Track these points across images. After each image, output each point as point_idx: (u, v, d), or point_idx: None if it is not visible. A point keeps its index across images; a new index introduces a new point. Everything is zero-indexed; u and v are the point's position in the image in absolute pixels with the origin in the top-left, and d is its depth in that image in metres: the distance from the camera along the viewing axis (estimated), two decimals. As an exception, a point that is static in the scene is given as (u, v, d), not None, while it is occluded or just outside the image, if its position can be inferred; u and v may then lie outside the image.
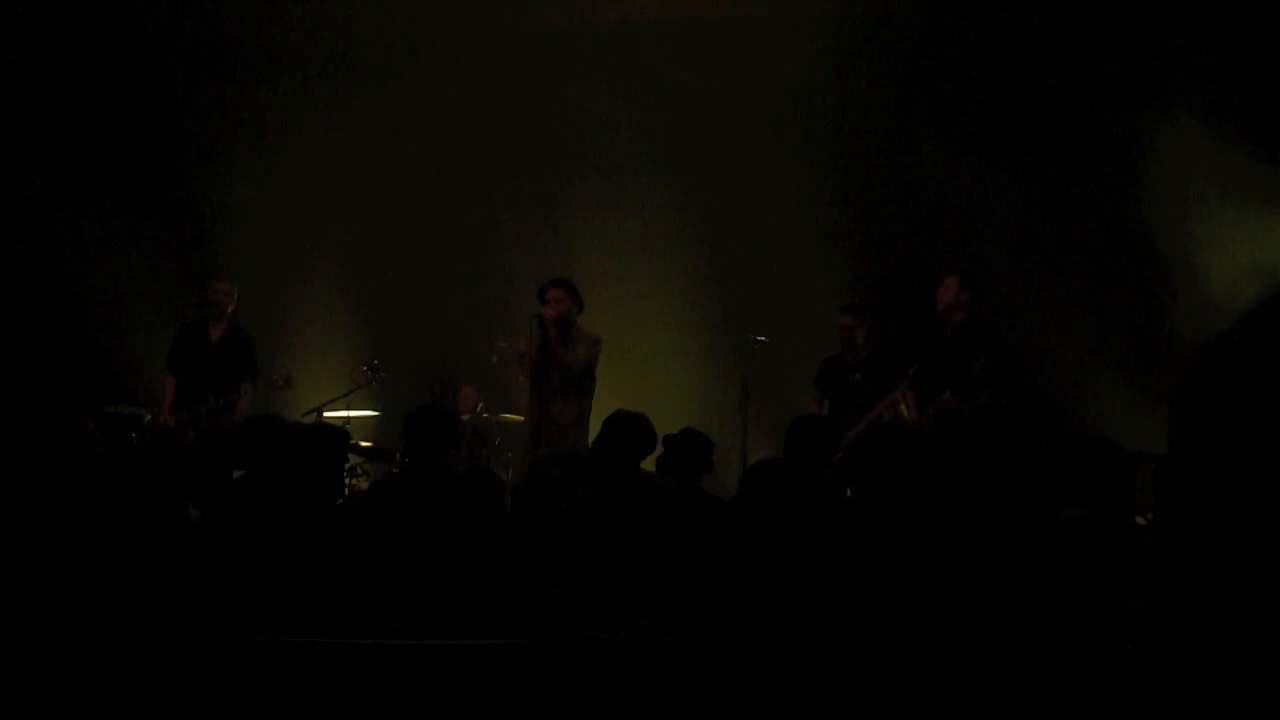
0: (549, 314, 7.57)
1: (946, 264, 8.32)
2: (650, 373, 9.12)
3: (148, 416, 8.64)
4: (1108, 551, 4.26)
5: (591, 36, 9.83)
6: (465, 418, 8.62)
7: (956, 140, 9.21)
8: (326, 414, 8.75)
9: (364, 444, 8.92)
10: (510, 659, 3.42)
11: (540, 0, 9.65)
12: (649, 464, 5.80)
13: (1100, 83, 8.93)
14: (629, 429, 5.51)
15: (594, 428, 7.37)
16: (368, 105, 10.05)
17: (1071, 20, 8.94)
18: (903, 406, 7.82)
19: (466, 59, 9.76)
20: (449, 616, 3.96)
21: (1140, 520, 6.88)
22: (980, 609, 3.79)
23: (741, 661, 3.55)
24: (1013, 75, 9.07)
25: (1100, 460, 4.77)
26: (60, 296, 9.93)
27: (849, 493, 5.14)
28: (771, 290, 9.33)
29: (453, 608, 4.06)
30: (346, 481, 8.62)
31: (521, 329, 7.87)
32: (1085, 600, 3.96)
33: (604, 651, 3.48)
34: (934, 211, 9.26)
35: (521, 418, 9.27)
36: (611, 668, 3.47)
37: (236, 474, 5.26)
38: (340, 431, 5.34)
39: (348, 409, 9.00)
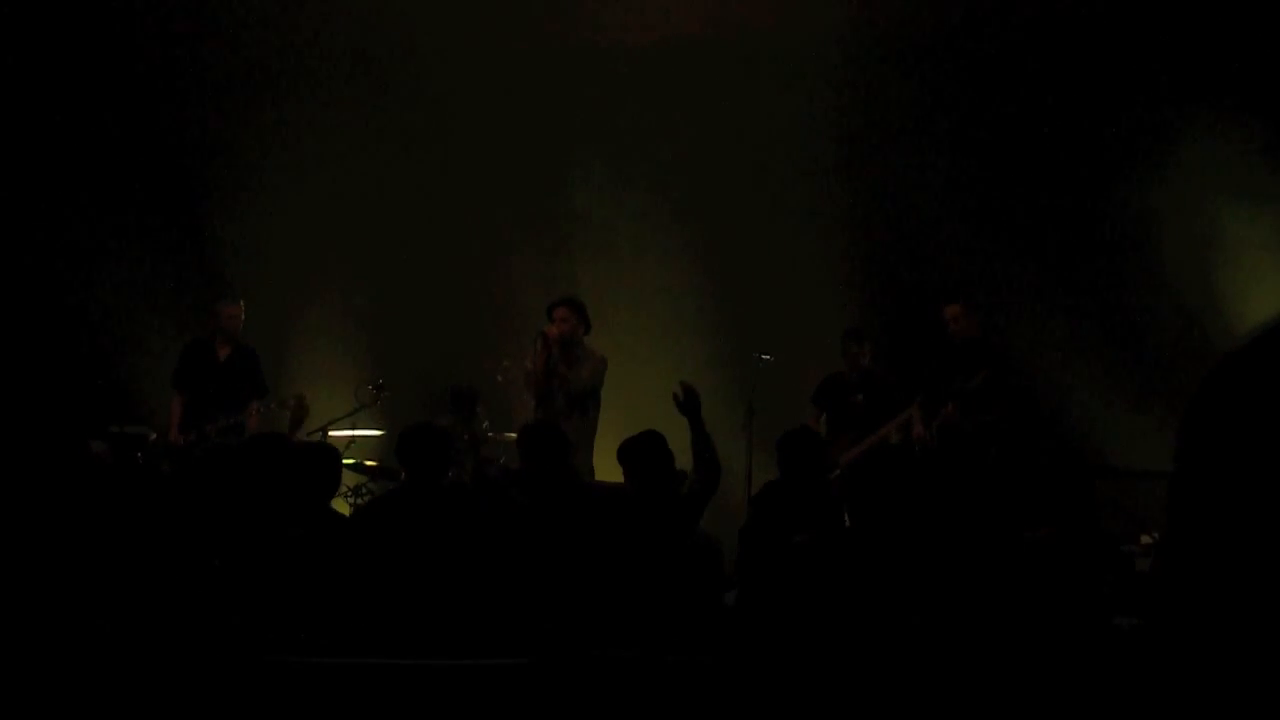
0: (553, 333, 7.56)
1: (949, 284, 8.33)
2: (654, 390, 9.09)
3: (153, 435, 8.63)
4: (1075, 570, 4.26)
5: (597, 56, 9.86)
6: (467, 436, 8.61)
7: (959, 159, 9.24)
8: (331, 433, 8.73)
9: (369, 463, 8.91)
10: (509, 678, 3.42)
11: (545, 20, 9.66)
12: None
13: (1102, 105, 8.96)
14: (548, 440, 5.61)
15: (599, 447, 7.37)
16: (374, 125, 10.06)
17: (1078, 40, 8.96)
18: (914, 424, 7.81)
19: (471, 80, 9.78)
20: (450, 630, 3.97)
21: (1146, 539, 6.89)
22: (964, 626, 3.80)
23: (742, 678, 3.54)
24: (1018, 96, 9.10)
25: (1064, 478, 4.76)
26: (66, 314, 9.95)
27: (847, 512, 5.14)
28: (776, 308, 9.33)
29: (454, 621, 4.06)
30: (351, 501, 8.63)
31: (527, 348, 7.85)
32: (1057, 619, 3.97)
33: (603, 670, 3.48)
34: (937, 231, 9.27)
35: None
36: (612, 686, 3.46)
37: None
38: (333, 450, 5.36)
39: (353, 428, 8.99)
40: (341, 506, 8.43)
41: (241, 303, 8.73)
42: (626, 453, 5.42)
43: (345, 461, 8.66)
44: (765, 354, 8.50)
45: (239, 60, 10.00)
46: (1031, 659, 3.58)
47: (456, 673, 3.45)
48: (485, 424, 9.26)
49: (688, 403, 6.04)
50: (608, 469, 6.49)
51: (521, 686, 3.41)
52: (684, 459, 5.99)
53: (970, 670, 3.48)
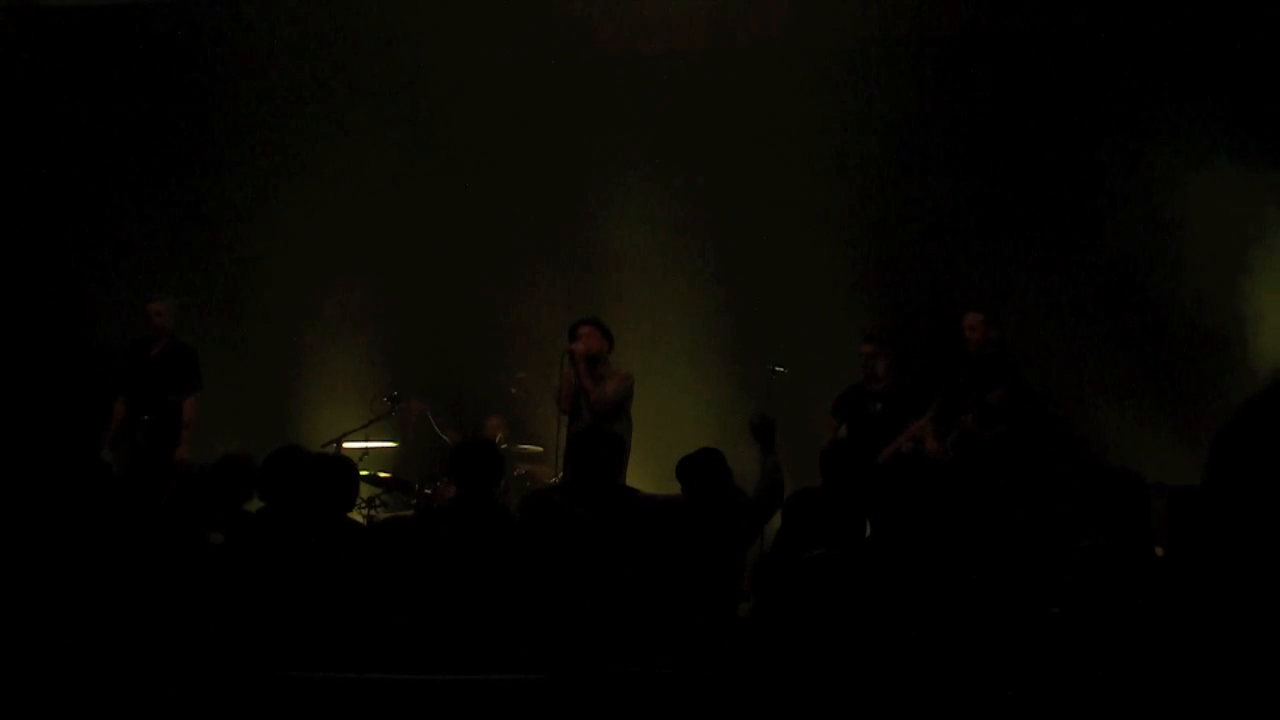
0: (578, 349, 7.71)
1: (967, 296, 8.33)
2: (670, 403, 9.12)
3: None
4: (1128, 581, 4.23)
5: (613, 67, 9.87)
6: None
7: (977, 170, 9.23)
8: (346, 445, 8.76)
9: (382, 475, 8.93)
10: (532, 694, 3.42)
11: (565, 31, 9.69)
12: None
13: (1117, 114, 8.95)
14: (599, 446, 5.62)
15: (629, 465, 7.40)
16: (392, 136, 10.08)
17: (1101, 47, 8.94)
18: (926, 438, 7.81)
19: (488, 93, 9.79)
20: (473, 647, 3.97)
21: (1159, 550, 6.84)
22: (1001, 637, 3.79)
23: (765, 692, 3.54)
24: (1037, 106, 9.08)
25: (1121, 490, 4.76)
26: (83, 326, 9.99)
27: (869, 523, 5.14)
28: (791, 321, 9.32)
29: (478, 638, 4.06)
30: (365, 513, 8.65)
31: (540, 361, 7.92)
32: (1106, 629, 3.95)
33: (625, 685, 3.47)
34: (954, 243, 9.26)
35: (541, 449, 9.32)
36: (633, 702, 3.46)
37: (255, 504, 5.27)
38: (350, 462, 5.40)
39: (366, 440, 9.01)
40: (355, 518, 8.44)
41: (166, 300, 8.81)
42: (685, 468, 5.53)
43: (360, 474, 8.72)
44: (780, 366, 8.51)
45: (257, 75, 10.05)
46: (1066, 668, 3.58)
47: (472, 688, 3.45)
48: (501, 436, 9.27)
49: (762, 428, 6.15)
50: (640, 486, 6.55)
51: (536, 702, 3.42)
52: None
53: (986, 681, 3.48)
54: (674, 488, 5.87)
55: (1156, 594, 4.06)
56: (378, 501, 8.86)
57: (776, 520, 5.60)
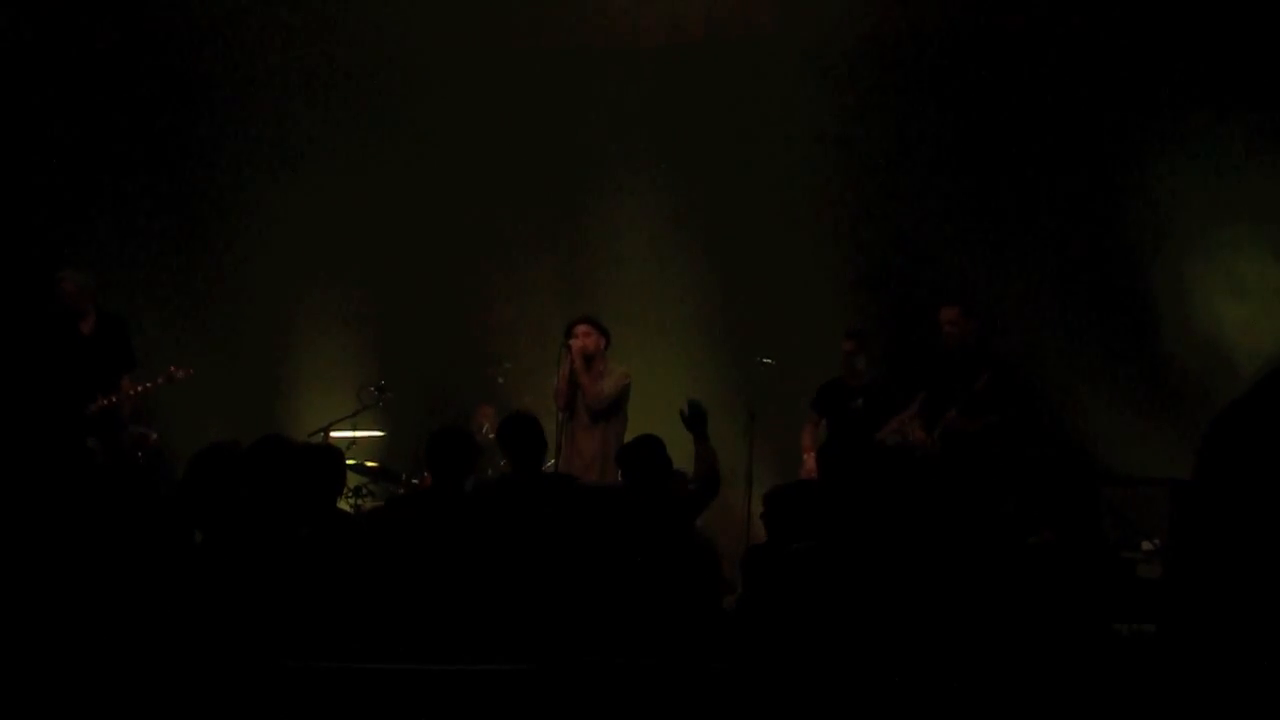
0: (575, 346, 7.77)
1: (950, 288, 8.35)
2: (655, 394, 9.12)
3: (154, 436, 8.57)
4: (1078, 577, 4.23)
5: (602, 60, 9.88)
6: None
7: (961, 163, 9.25)
8: (332, 434, 8.75)
9: (370, 464, 8.94)
10: (517, 684, 3.42)
11: (553, 23, 9.68)
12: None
13: (1103, 112, 8.97)
14: (522, 431, 5.59)
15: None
16: (382, 127, 10.06)
17: (1082, 44, 8.97)
18: (913, 429, 7.82)
19: (477, 84, 9.78)
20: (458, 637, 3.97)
21: (1147, 545, 6.86)
22: (963, 632, 3.80)
23: (741, 686, 3.56)
24: (1020, 101, 9.10)
25: (1066, 481, 4.71)
26: (70, 316, 9.94)
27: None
28: (777, 313, 9.34)
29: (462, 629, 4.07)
30: (353, 502, 8.65)
31: (526, 352, 7.92)
32: (1059, 626, 3.96)
33: (602, 676, 3.48)
34: (939, 236, 9.27)
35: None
36: (609, 692, 3.47)
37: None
38: (337, 451, 5.39)
39: (353, 429, 9.01)
40: (342, 507, 8.43)
41: (81, 275, 8.09)
42: (623, 456, 5.55)
43: (347, 462, 8.71)
44: (766, 358, 8.54)
45: (246, 64, 10.01)
46: (1030, 665, 3.59)
47: (457, 678, 3.46)
48: (486, 426, 9.28)
49: (693, 418, 6.14)
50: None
51: (521, 692, 3.42)
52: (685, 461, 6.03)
53: (969, 677, 3.49)
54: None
55: (1107, 586, 4.07)
56: (365, 491, 8.87)
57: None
